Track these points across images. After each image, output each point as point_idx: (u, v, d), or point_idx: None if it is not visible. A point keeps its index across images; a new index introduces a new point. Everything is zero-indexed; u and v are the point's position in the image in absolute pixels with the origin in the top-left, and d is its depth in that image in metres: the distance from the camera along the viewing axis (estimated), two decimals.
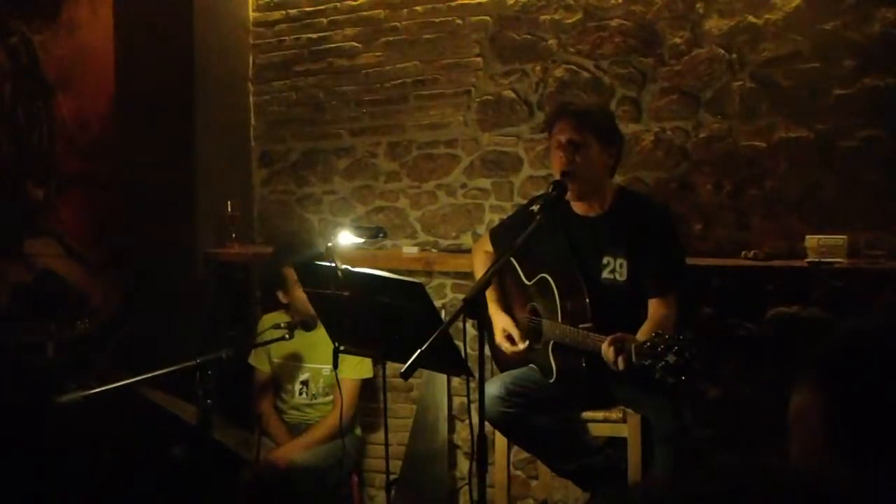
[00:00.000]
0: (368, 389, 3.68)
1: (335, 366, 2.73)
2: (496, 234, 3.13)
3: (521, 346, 2.85)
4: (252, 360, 3.46)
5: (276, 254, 3.50)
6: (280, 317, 3.37)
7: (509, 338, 2.89)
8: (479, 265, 3.12)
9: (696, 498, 0.74)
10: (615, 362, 2.41)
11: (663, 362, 2.24)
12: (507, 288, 3.01)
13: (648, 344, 2.31)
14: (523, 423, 2.76)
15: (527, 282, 2.91)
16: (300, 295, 3.17)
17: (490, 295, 2.93)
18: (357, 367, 3.33)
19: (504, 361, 2.97)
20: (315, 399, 3.42)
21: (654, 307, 2.71)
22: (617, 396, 2.82)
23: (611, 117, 2.97)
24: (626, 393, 2.77)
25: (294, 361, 3.41)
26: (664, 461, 2.61)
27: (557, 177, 2.74)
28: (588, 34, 3.53)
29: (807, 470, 0.90)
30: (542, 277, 2.80)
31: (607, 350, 2.44)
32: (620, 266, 2.76)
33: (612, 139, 2.82)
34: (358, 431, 3.56)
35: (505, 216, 3.37)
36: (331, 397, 3.40)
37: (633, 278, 2.75)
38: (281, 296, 3.38)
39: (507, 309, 2.97)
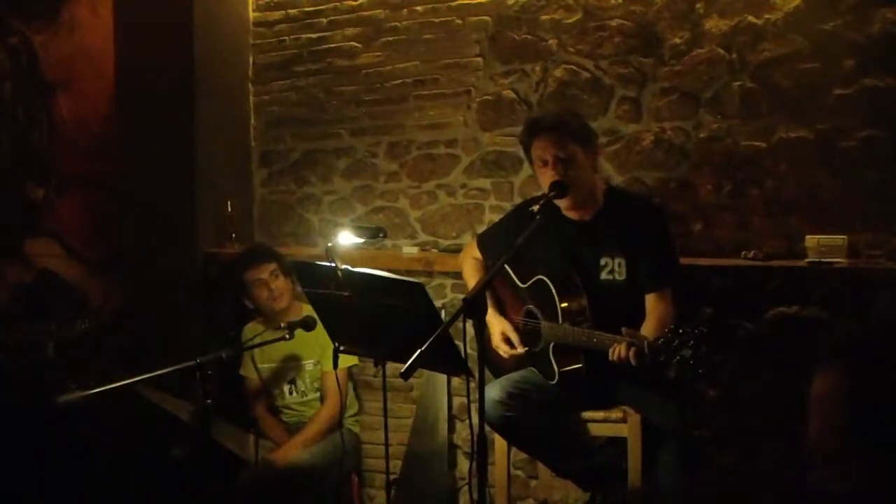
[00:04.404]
0: (368, 389, 3.69)
1: (335, 365, 2.74)
2: (483, 242, 3.14)
3: (521, 349, 2.84)
4: (241, 371, 3.50)
5: (234, 266, 3.53)
6: (259, 326, 3.45)
7: (508, 341, 2.88)
8: (470, 271, 3.12)
9: None
10: (627, 357, 2.40)
11: (678, 357, 2.23)
12: (499, 292, 3.00)
13: (662, 340, 2.29)
14: (524, 426, 2.75)
15: (521, 284, 2.90)
16: (260, 294, 3.36)
17: (486, 299, 2.93)
18: (341, 357, 3.34)
19: (499, 367, 2.96)
20: (306, 396, 3.45)
21: (653, 303, 2.72)
22: (619, 395, 2.82)
23: (581, 118, 2.93)
24: (630, 391, 2.76)
25: (278, 364, 3.45)
26: (672, 454, 2.60)
27: (546, 191, 2.73)
28: (588, 34, 3.53)
29: (822, 451, 0.92)
30: (539, 279, 2.80)
31: (618, 347, 2.43)
32: (619, 265, 2.76)
33: (590, 140, 2.81)
34: (357, 429, 3.56)
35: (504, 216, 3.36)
36: (320, 392, 3.43)
37: (633, 277, 2.75)
38: (248, 304, 3.44)
39: (501, 312, 2.96)
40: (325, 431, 3.30)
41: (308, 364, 3.41)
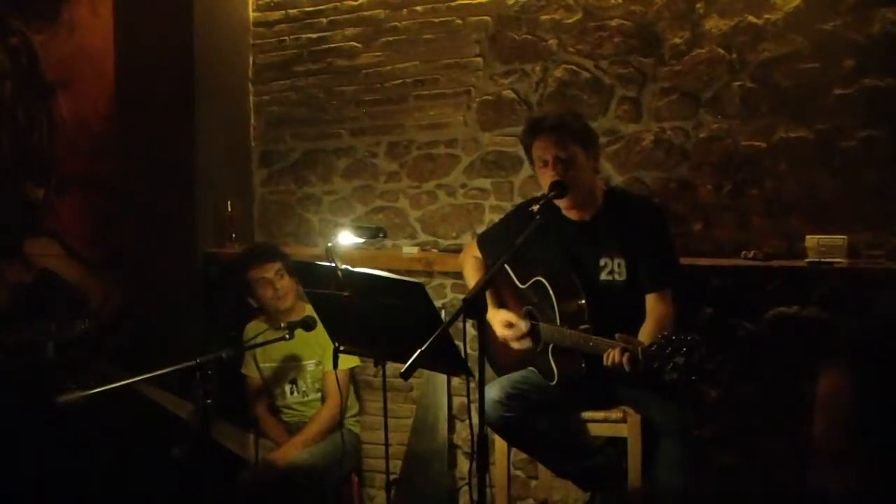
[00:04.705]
0: (368, 389, 3.69)
1: (335, 365, 2.74)
2: (483, 242, 3.14)
3: (524, 325, 2.82)
4: (243, 370, 3.49)
5: (237, 264, 3.53)
6: (261, 325, 3.44)
7: (511, 327, 2.86)
8: (471, 271, 3.12)
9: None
10: (621, 363, 2.41)
11: (672, 363, 2.23)
12: (499, 291, 3.00)
13: (655, 346, 2.30)
14: (523, 426, 2.75)
15: (520, 285, 2.90)
16: (265, 293, 3.36)
17: (487, 297, 2.93)
18: (344, 358, 3.34)
19: (502, 365, 2.96)
20: (307, 396, 3.44)
21: (653, 304, 2.72)
22: (619, 396, 2.82)
23: (583, 119, 2.93)
24: (630, 392, 2.76)
25: (280, 363, 3.44)
26: (673, 453, 2.60)
27: (547, 189, 2.73)
28: (588, 34, 3.53)
29: (828, 449, 0.92)
30: (538, 280, 2.80)
31: (614, 353, 2.43)
32: (619, 266, 2.77)
33: (591, 142, 2.82)
34: (357, 429, 3.56)
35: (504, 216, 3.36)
36: (321, 393, 3.42)
37: (633, 278, 2.75)
38: (252, 302, 3.44)
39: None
40: (326, 432, 3.30)
41: (310, 364, 3.41)
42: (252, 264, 3.40)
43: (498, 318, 2.89)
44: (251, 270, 3.38)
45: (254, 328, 3.47)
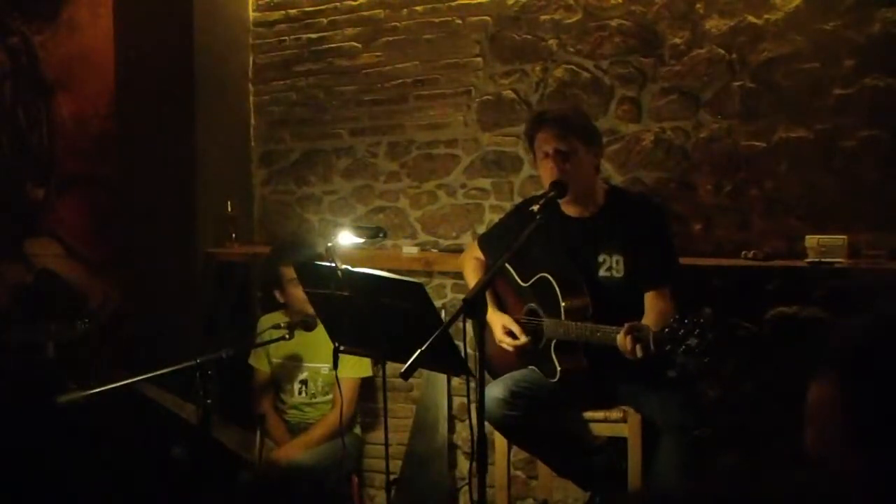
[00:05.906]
0: (368, 389, 3.69)
1: (335, 366, 2.73)
2: (485, 242, 3.14)
3: (523, 339, 2.83)
4: (252, 361, 3.47)
5: (272, 253, 3.51)
6: (278, 317, 3.38)
7: (510, 334, 2.87)
8: (471, 272, 3.12)
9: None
10: (633, 351, 2.39)
11: (684, 346, 2.23)
12: (500, 291, 3.01)
13: (667, 329, 2.29)
14: (526, 425, 2.75)
15: (522, 283, 2.90)
16: (296, 294, 3.23)
17: (486, 298, 2.93)
18: (356, 366, 3.33)
19: (499, 368, 2.95)
20: (314, 398, 3.42)
21: (651, 301, 2.71)
22: (621, 393, 2.82)
23: (587, 117, 2.99)
24: (631, 389, 2.76)
25: (293, 361, 3.41)
26: (671, 451, 2.60)
27: (547, 186, 2.75)
28: (588, 34, 3.53)
29: (820, 458, 0.92)
30: (542, 277, 2.80)
31: (623, 340, 2.41)
32: (617, 263, 2.77)
33: (594, 139, 2.85)
34: (358, 431, 3.56)
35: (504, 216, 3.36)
36: (330, 396, 3.41)
37: (630, 275, 2.75)
38: (278, 295, 3.40)
39: (502, 311, 2.96)
40: (330, 436, 3.28)
41: (324, 368, 3.36)
42: (290, 261, 3.17)
43: (499, 323, 2.89)
44: (287, 267, 3.22)
45: (269, 319, 3.39)
